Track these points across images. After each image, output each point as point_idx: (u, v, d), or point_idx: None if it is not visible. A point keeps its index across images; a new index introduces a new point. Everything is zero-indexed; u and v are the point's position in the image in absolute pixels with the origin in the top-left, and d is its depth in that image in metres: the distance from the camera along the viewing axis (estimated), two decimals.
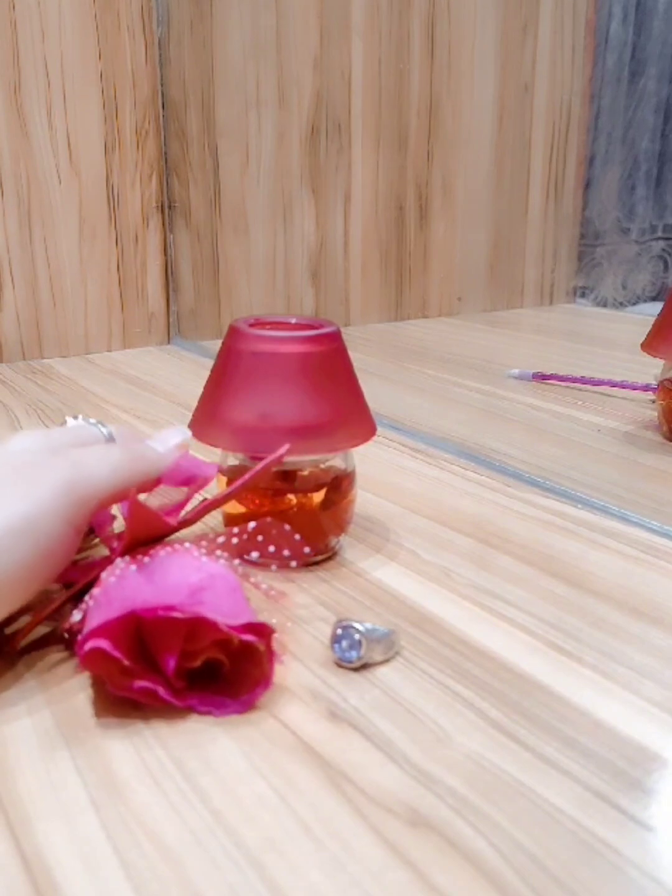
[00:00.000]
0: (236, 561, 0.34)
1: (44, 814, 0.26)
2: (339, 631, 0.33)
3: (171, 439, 0.40)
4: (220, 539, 0.35)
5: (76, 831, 0.25)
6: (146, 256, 0.91)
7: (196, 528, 0.39)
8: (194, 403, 0.43)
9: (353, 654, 0.33)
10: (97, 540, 0.41)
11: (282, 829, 0.25)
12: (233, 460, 0.42)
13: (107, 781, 0.27)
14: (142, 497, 0.38)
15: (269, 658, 0.31)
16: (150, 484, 0.38)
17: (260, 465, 0.38)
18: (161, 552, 0.33)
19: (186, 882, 0.23)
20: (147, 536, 0.35)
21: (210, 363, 0.42)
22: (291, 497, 0.41)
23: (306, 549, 0.37)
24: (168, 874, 0.24)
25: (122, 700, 0.30)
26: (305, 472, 0.42)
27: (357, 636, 0.33)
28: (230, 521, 0.42)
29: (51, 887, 0.23)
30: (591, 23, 1.09)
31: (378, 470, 0.55)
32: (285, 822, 0.26)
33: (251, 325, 0.41)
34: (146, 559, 0.33)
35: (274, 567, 0.37)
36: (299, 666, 0.33)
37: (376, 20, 0.96)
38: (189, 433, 0.41)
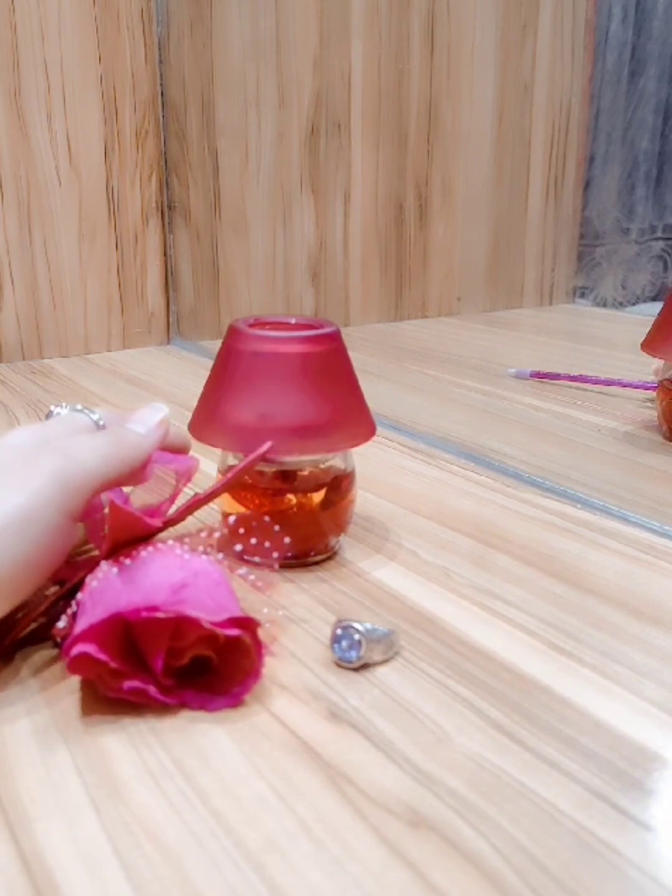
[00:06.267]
0: (220, 555, 0.34)
1: (44, 814, 0.26)
2: (339, 631, 0.33)
3: (150, 418, 0.39)
4: (203, 535, 0.35)
5: (76, 831, 0.25)
6: (146, 257, 0.91)
7: (182, 525, 0.39)
8: (194, 403, 0.43)
9: (353, 654, 0.33)
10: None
11: (282, 829, 0.25)
12: (232, 460, 0.42)
13: (107, 781, 0.27)
14: (127, 489, 0.38)
15: (257, 651, 0.31)
16: (140, 468, 0.37)
17: (242, 464, 0.38)
18: (143, 552, 0.33)
19: (186, 882, 0.23)
20: (129, 539, 0.35)
21: (210, 363, 0.42)
22: (291, 497, 0.41)
23: (287, 539, 0.37)
24: (168, 874, 0.24)
25: (120, 700, 0.30)
26: (305, 472, 0.42)
27: (357, 636, 0.33)
28: None
29: (51, 888, 0.23)
30: (591, 23, 1.09)
31: (378, 470, 0.55)
32: (285, 823, 0.26)
33: (251, 326, 0.41)
34: (128, 561, 0.33)
35: (257, 559, 0.37)
36: (299, 666, 0.33)
37: (376, 20, 0.96)
38: (166, 409, 0.40)
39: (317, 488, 0.42)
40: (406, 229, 1.05)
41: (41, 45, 0.81)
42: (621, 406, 0.70)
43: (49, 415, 0.41)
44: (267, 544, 0.37)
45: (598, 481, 0.54)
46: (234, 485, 0.40)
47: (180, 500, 0.39)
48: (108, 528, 0.34)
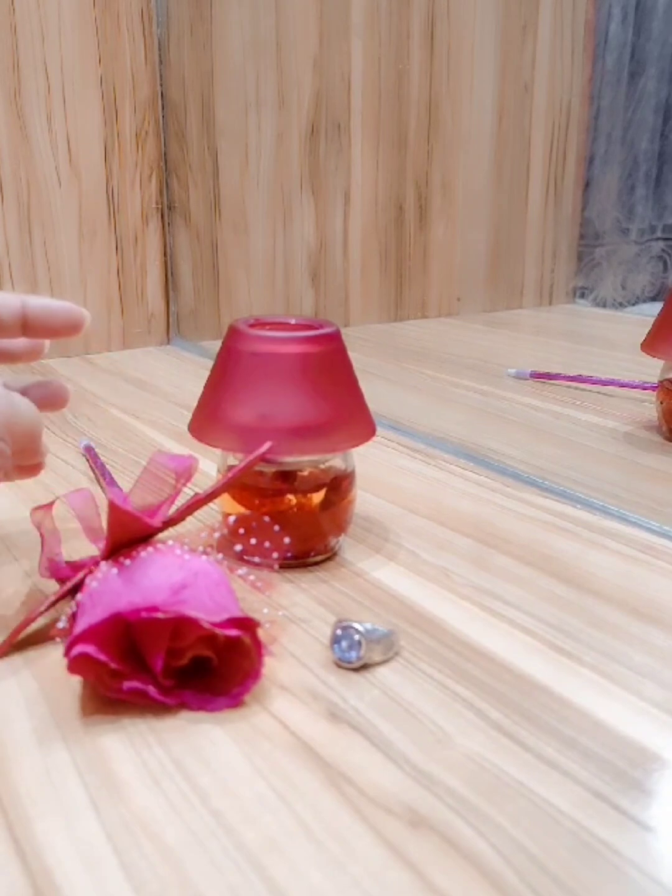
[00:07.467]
0: (220, 555, 0.34)
1: (44, 814, 0.26)
2: (339, 631, 0.33)
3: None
4: (203, 535, 0.35)
5: (76, 831, 0.25)
6: (146, 257, 0.91)
7: (182, 525, 0.39)
8: (194, 404, 0.43)
9: (353, 654, 0.33)
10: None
11: (282, 829, 0.25)
12: (232, 460, 0.42)
13: (107, 781, 0.27)
14: (126, 487, 0.38)
15: (257, 651, 0.31)
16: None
17: (242, 464, 0.38)
18: (143, 553, 0.33)
19: (186, 882, 0.23)
20: (129, 540, 0.35)
21: (210, 363, 0.42)
22: (291, 497, 0.41)
23: (287, 539, 0.37)
24: (168, 874, 0.24)
25: (120, 700, 0.30)
26: (305, 473, 0.42)
27: (357, 636, 0.33)
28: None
29: (51, 887, 0.23)
30: (590, 23, 1.09)
31: (378, 470, 0.55)
32: (285, 823, 0.26)
33: (251, 326, 0.41)
34: (128, 561, 0.33)
35: (257, 559, 0.37)
36: (299, 666, 0.33)
37: (376, 20, 0.96)
38: (88, 315, 0.38)
39: (317, 488, 0.42)
40: (406, 229, 1.05)
41: (41, 46, 0.81)
42: (621, 406, 0.70)
43: None
44: (267, 544, 0.37)
45: (598, 481, 0.54)
46: (234, 485, 0.40)
47: (180, 500, 0.39)
48: (107, 528, 0.34)
